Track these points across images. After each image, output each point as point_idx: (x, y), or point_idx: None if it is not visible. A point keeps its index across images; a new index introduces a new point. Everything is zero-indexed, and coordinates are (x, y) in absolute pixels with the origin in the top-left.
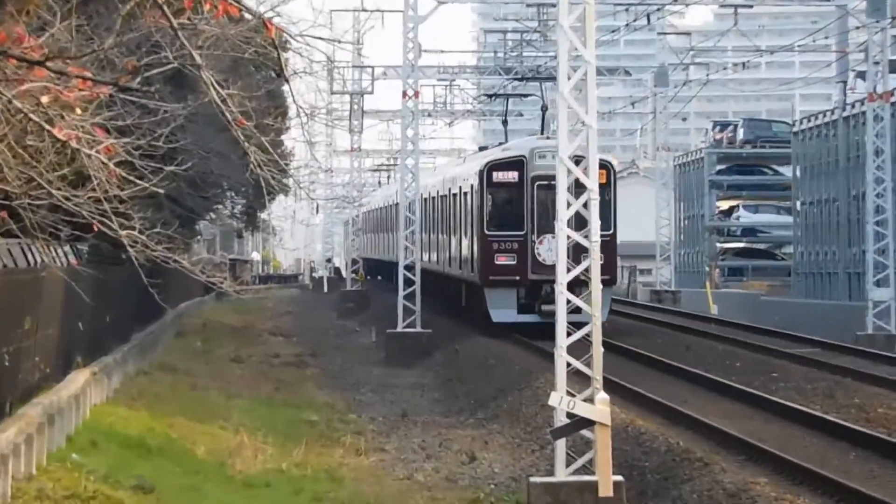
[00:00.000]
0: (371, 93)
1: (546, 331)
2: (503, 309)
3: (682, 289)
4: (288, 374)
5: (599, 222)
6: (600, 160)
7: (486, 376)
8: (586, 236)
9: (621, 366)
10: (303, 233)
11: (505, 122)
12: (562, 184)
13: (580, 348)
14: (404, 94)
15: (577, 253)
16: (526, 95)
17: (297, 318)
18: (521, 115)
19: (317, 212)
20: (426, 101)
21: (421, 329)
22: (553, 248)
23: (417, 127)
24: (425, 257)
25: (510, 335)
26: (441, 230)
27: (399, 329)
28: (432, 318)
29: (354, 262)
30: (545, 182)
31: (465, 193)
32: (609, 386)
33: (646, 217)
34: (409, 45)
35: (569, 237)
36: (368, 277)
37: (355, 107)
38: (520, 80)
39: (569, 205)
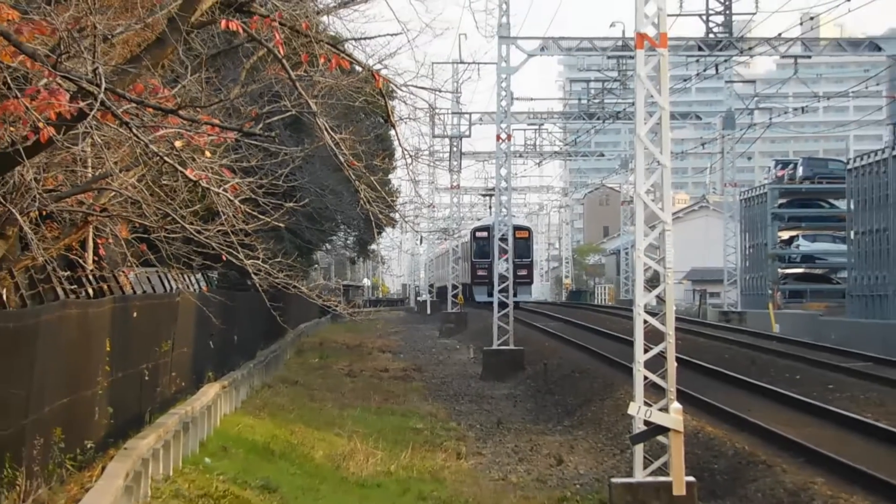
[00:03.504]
0: (468, 136)
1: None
2: (480, 295)
3: (747, 310)
4: (395, 387)
5: (666, 257)
6: (522, 226)
7: (572, 388)
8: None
9: (693, 379)
10: (408, 261)
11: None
12: (639, 217)
13: (656, 363)
14: (498, 137)
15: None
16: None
17: (403, 337)
18: (602, 155)
19: (420, 243)
20: (518, 144)
21: (514, 346)
22: (502, 267)
23: (510, 167)
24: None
25: (588, 350)
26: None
27: (494, 346)
28: (525, 337)
29: (455, 287)
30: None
31: (466, 242)
32: (682, 396)
33: (715, 246)
34: (502, 94)
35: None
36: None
37: (454, 149)
38: (602, 123)
39: (645, 234)
